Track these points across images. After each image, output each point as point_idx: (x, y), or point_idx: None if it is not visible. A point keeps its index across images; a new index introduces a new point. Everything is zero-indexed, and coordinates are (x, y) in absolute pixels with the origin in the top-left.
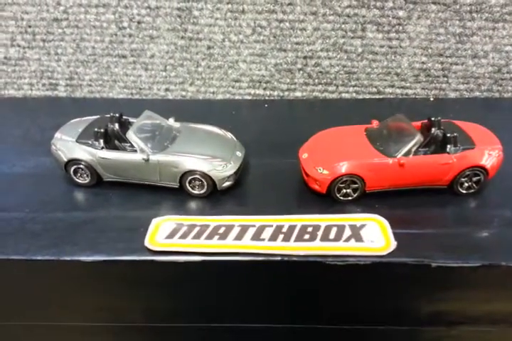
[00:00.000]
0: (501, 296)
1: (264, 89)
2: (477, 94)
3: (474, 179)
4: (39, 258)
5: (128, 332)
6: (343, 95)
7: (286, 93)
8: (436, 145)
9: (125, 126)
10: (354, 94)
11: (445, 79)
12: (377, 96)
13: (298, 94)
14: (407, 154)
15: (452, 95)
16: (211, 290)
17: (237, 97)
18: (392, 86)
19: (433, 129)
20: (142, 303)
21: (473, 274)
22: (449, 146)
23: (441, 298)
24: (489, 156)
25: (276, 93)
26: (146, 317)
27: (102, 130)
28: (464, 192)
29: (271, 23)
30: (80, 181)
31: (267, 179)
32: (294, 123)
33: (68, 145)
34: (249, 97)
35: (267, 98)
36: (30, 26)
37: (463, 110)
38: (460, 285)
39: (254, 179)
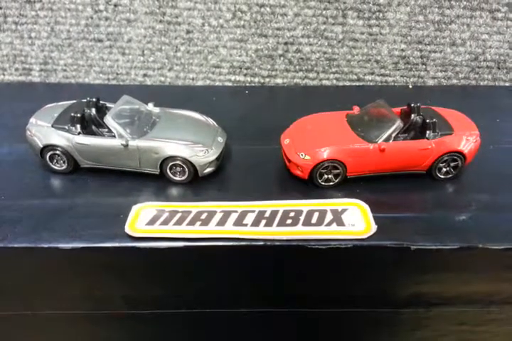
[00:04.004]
0: (478, 277)
1: (245, 75)
2: (454, 81)
3: (452, 164)
4: (16, 245)
5: (109, 319)
6: (324, 82)
7: (267, 79)
8: (415, 131)
9: (102, 111)
10: (334, 81)
11: (424, 66)
12: (357, 84)
13: (279, 80)
14: (387, 140)
15: (430, 83)
16: (193, 277)
17: (217, 83)
18: (372, 73)
19: (412, 115)
20: (123, 291)
21: (451, 256)
22: (428, 132)
23: (420, 280)
24: (467, 142)
25: (256, 79)
26: (128, 304)
27: (79, 115)
28: (442, 177)
29: (251, 8)
30: (56, 167)
31: (249, 165)
32: (275, 110)
33: (44, 130)
34: (229, 84)
35: (247, 85)
36: (1, 8)
37: (440, 97)
38: (439, 267)
39: (235, 165)
